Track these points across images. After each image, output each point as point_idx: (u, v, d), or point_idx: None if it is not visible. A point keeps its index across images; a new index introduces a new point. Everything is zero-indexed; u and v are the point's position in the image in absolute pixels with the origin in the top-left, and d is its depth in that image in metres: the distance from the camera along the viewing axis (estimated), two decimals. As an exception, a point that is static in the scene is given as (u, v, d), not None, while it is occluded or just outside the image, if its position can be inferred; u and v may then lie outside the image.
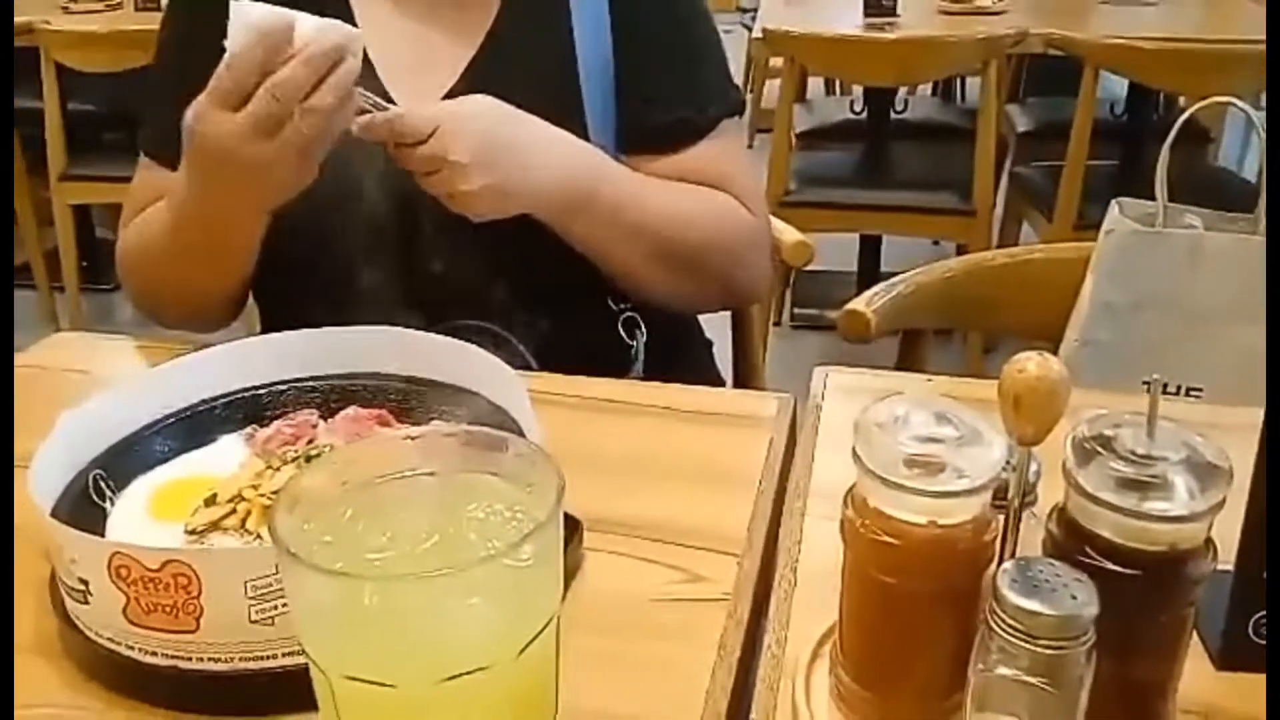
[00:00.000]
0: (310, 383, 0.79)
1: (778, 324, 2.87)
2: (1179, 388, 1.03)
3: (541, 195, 0.89)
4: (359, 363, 0.80)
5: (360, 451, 0.48)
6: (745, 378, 1.33)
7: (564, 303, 0.95)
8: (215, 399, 0.77)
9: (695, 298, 1.03)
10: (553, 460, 0.47)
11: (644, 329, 1.02)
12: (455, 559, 0.42)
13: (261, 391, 0.78)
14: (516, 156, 0.87)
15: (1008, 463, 0.51)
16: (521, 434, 0.66)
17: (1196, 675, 0.57)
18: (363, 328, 0.80)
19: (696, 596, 0.68)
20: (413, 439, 0.49)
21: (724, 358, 1.25)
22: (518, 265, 0.93)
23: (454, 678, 0.41)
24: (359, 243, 0.92)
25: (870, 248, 2.89)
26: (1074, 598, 0.46)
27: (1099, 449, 0.49)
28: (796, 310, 2.95)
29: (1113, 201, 1.07)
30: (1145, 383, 0.50)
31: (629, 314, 1.01)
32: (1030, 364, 0.48)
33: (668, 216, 0.96)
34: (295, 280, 0.95)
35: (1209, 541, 0.49)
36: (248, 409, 0.77)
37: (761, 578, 0.69)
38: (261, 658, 0.57)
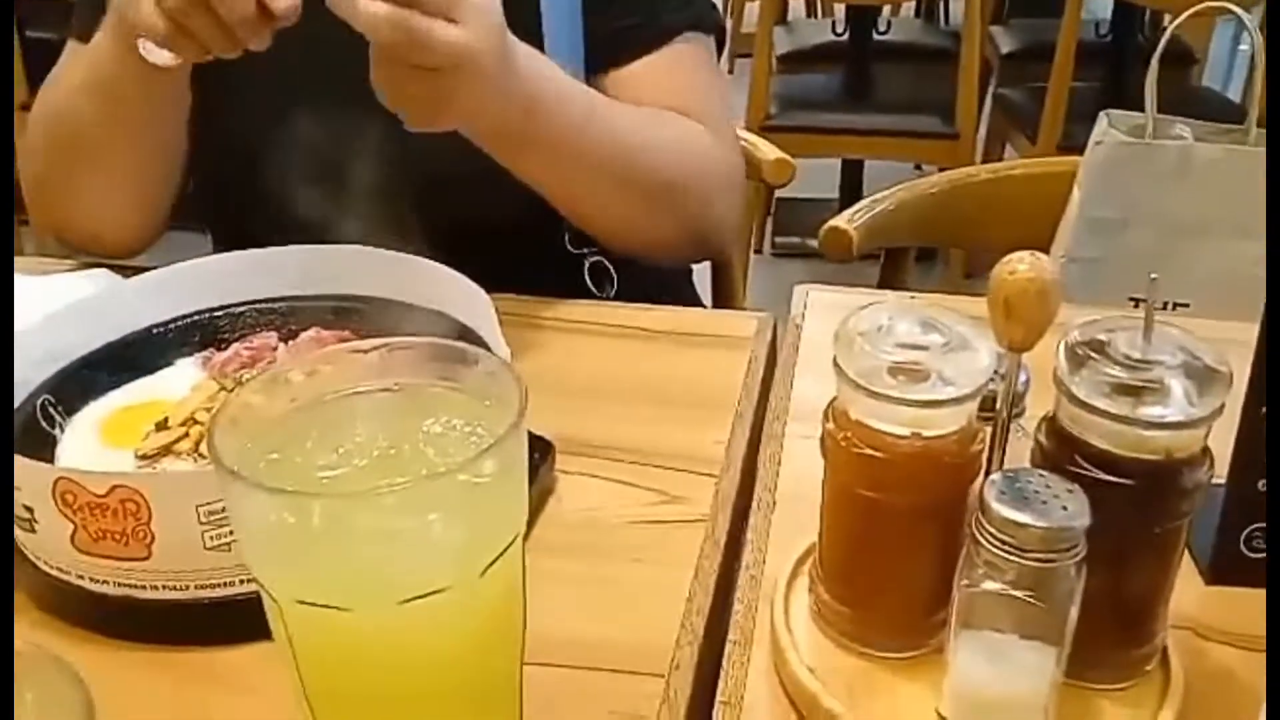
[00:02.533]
0: (269, 304, 0.75)
1: (759, 252, 2.84)
2: (1165, 303, 1.00)
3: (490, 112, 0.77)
4: (320, 283, 0.76)
5: (312, 367, 0.45)
6: (725, 302, 1.30)
7: (514, 246, 0.85)
8: (170, 321, 0.74)
9: (660, 240, 0.91)
10: (516, 373, 0.44)
11: (615, 279, 0.93)
12: (410, 475, 0.40)
13: (219, 313, 0.75)
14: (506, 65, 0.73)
15: (996, 372, 0.48)
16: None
17: (1185, 589, 0.55)
18: (323, 246, 0.77)
19: (674, 518, 0.66)
20: (367, 352, 0.46)
21: (703, 286, 1.22)
22: (446, 202, 0.83)
23: (413, 600, 0.39)
24: (314, 183, 0.86)
25: (852, 173, 2.85)
26: (1064, 509, 0.44)
27: (1092, 354, 0.46)
28: (778, 239, 2.91)
29: (1101, 113, 1.04)
30: (1132, 299, 0.47)
31: (595, 259, 0.92)
32: (1022, 264, 0.45)
33: (631, 141, 0.85)
34: (245, 205, 0.90)
35: (1205, 450, 0.47)
36: (204, 332, 0.74)
37: (740, 498, 0.68)
38: (218, 585, 0.54)
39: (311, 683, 0.42)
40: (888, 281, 1.18)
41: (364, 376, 0.45)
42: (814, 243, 1.12)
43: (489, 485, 0.39)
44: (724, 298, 1.30)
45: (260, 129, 0.84)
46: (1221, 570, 0.59)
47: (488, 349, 0.66)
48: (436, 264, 0.74)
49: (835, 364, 0.49)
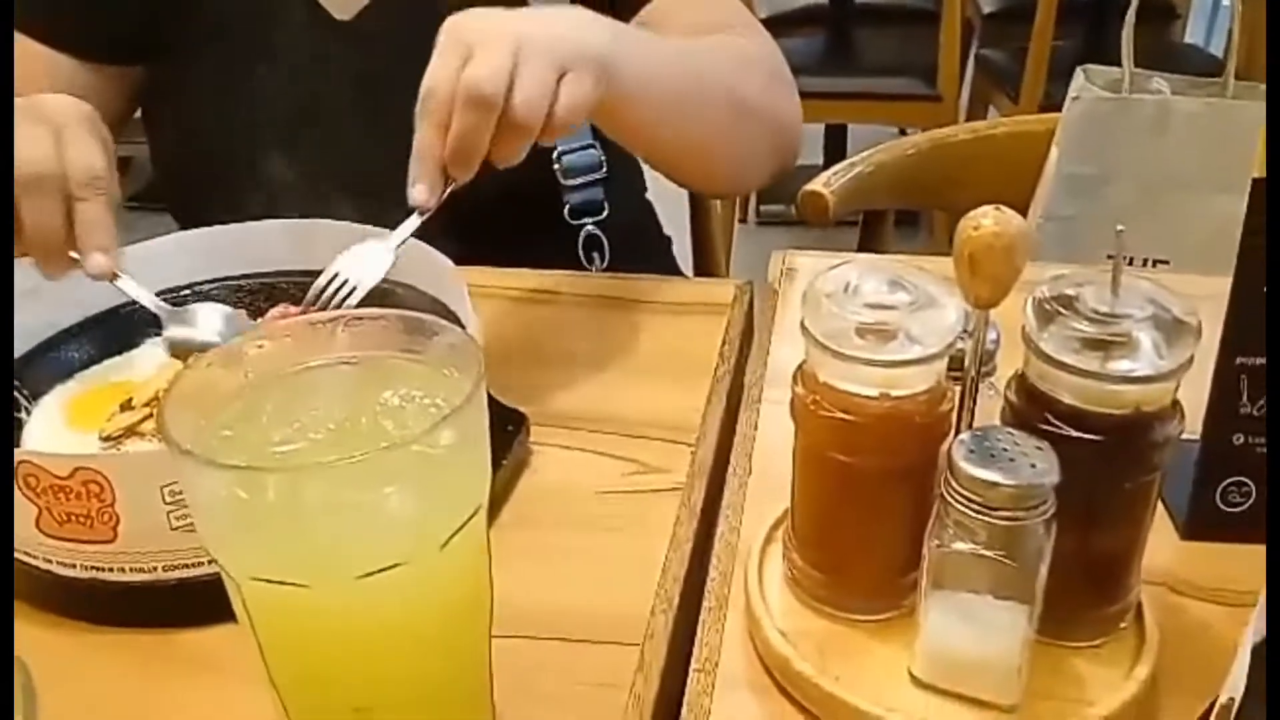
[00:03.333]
0: (236, 281, 0.75)
1: (743, 220, 2.83)
2: (1145, 260, 1.00)
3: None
4: (287, 259, 0.75)
5: (268, 340, 0.44)
6: (706, 272, 1.29)
7: (515, 219, 0.84)
8: (135, 301, 0.73)
9: (756, 149, 0.90)
10: (475, 343, 0.43)
11: (606, 250, 0.91)
12: (366, 446, 0.39)
13: (185, 292, 0.74)
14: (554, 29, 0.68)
15: (964, 330, 0.48)
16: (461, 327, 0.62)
17: (1160, 545, 0.55)
18: (291, 220, 0.76)
19: (649, 487, 0.65)
20: (326, 324, 0.45)
21: (684, 256, 1.21)
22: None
23: (371, 575, 0.38)
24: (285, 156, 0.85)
25: (835, 138, 2.84)
26: (1033, 466, 0.43)
27: (1060, 309, 0.46)
28: (762, 207, 2.90)
29: (1078, 69, 1.03)
30: (1110, 257, 0.47)
31: (590, 230, 0.91)
32: (986, 219, 0.44)
33: (711, 59, 0.83)
34: (206, 182, 0.89)
35: (1175, 403, 0.47)
36: (170, 311, 0.73)
37: (717, 466, 0.67)
38: (185, 566, 0.54)
39: (274, 661, 0.41)
40: (867, 244, 1.17)
41: (323, 349, 0.44)
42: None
43: (447, 457, 0.39)
44: (705, 270, 1.29)
45: (232, 111, 0.83)
46: (1198, 526, 0.59)
47: (458, 322, 0.65)
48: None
49: (802, 326, 0.48)
